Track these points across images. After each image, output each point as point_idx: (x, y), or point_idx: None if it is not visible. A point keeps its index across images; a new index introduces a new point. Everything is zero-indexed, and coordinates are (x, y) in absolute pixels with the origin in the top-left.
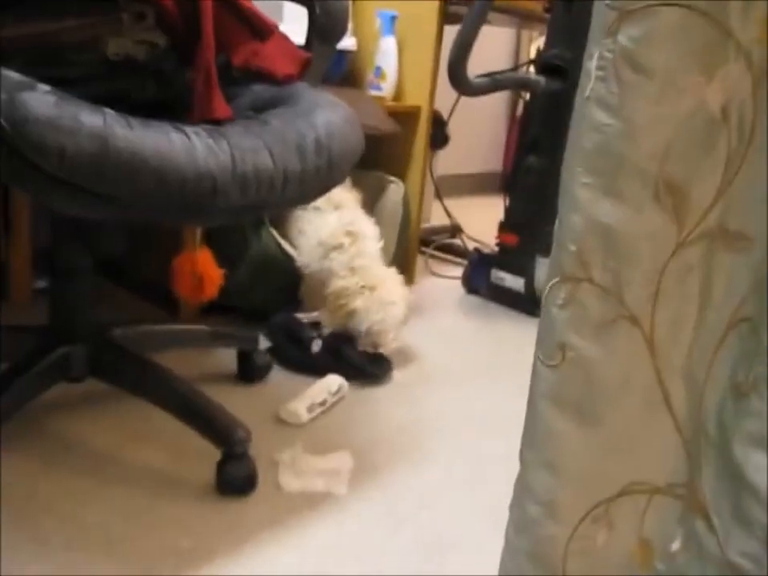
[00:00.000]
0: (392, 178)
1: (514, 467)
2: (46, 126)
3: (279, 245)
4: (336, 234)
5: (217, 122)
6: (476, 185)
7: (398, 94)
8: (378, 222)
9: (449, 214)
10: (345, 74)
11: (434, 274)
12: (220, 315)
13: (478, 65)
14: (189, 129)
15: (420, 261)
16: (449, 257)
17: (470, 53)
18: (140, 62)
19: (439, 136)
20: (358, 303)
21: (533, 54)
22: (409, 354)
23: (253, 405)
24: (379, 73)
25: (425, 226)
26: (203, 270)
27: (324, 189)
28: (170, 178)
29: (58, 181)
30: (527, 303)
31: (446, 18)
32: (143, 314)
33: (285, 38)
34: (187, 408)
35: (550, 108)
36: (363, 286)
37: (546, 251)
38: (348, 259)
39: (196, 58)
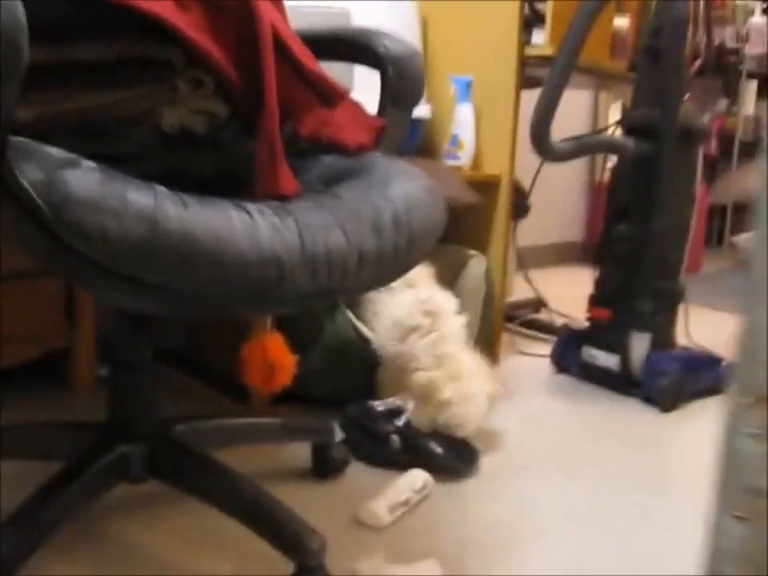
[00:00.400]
0: (473, 252)
1: (623, 569)
2: (88, 206)
3: (355, 327)
4: (413, 313)
5: (283, 198)
6: (557, 256)
7: (475, 164)
8: (461, 299)
9: (533, 287)
10: (419, 144)
11: (520, 352)
12: (292, 404)
13: (556, 130)
14: (251, 206)
15: (505, 338)
16: (535, 333)
17: (554, 116)
18: (198, 134)
19: (520, 206)
20: (446, 395)
21: (611, 119)
22: (495, 440)
23: (329, 504)
24: (456, 142)
25: (508, 300)
26: (274, 357)
27: (403, 269)
28: (229, 263)
29: (103, 268)
30: (622, 382)
31: (523, 81)
32: (211, 405)
33: (356, 104)
34: (255, 513)
35: (639, 171)
36: (450, 377)
37: (641, 326)
38: (431, 345)
39: (259, 127)
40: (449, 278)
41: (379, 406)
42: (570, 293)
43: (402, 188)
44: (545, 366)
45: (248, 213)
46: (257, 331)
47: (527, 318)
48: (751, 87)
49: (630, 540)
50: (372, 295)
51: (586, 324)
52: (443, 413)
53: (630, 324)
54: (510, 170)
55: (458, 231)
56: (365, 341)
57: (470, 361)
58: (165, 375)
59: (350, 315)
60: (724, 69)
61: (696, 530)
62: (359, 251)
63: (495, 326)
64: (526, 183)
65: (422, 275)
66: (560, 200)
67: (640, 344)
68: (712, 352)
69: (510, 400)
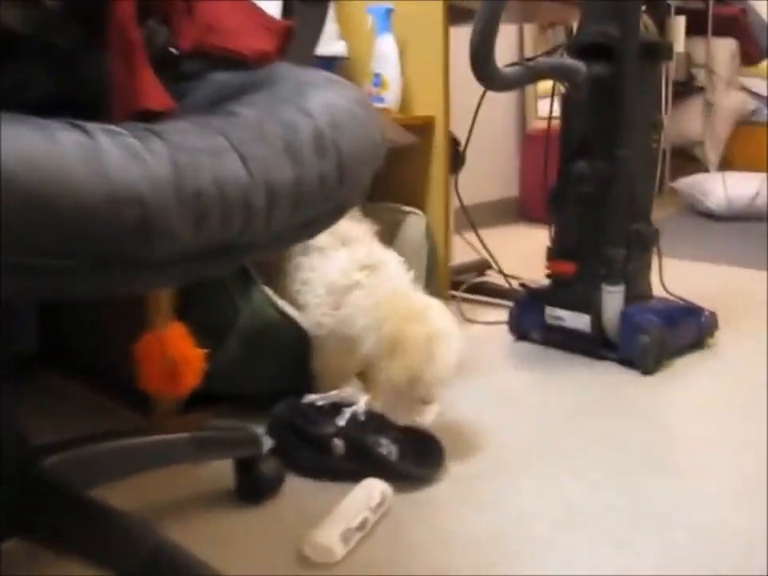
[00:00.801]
0: (410, 209)
1: None
2: None
3: (276, 306)
4: (348, 271)
5: (150, 118)
6: (492, 215)
7: (405, 107)
8: None
9: (484, 246)
10: None
11: (470, 320)
12: (207, 408)
13: None
14: (93, 126)
15: (451, 307)
16: (484, 299)
17: (496, 35)
18: (18, 33)
19: (454, 157)
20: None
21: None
22: (461, 431)
23: (263, 537)
24: (379, 81)
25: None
26: (176, 352)
27: (336, 211)
28: (55, 205)
29: None
30: (594, 344)
31: (452, 14)
32: (105, 420)
33: (250, 3)
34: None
35: (596, 98)
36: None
37: (613, 277)
38: (374, 306)
39: (107, 26)
40: (383, 242)
41: (318, 401)
42: (514, 252)
43: (324, 98)
44: (502, 334)
45: (86, 132)
46: (152, 320)
47: (473, 282)
48: (680, 23)
49: (642, 548)
50: (298, 261)
51: (546, 282)
52: (425, 366)
53: (600, 276)
54: (445, 112)
55: (391, 187)
56: (291, 321)
57: (426, 300)
58: (48, 384)
59: (269, 292)
60: (652, 5)
61: (711, 515)
62: (267, 184)
63: (442, 294)
64: (458, 132)
65: (360, 231)
66: (490, 153)
67: (613, 298)
68: (690, 303)
69: (470, 378)
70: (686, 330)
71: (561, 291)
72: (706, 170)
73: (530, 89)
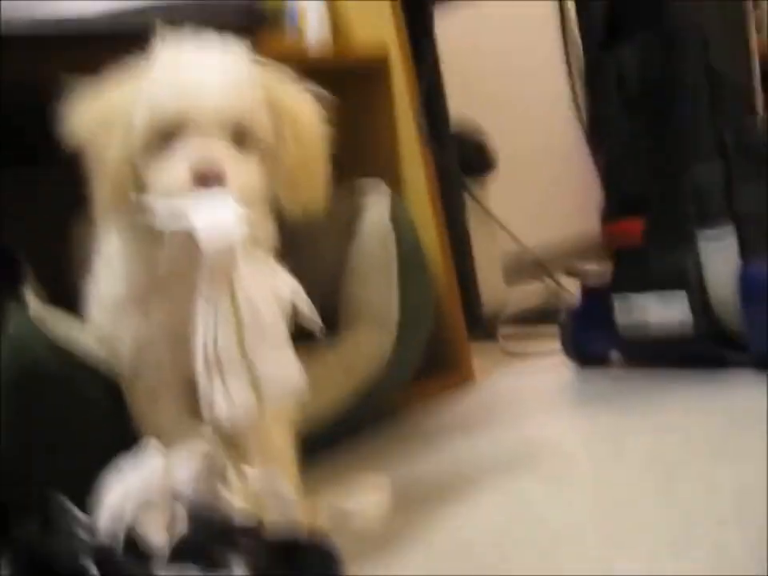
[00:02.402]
0: (368, 188)
1: None
2: None
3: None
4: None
5: None
6: (567, 256)
7: (338, 43)
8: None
9: (555, 281)
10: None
11: (513, 354)
12: None
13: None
14: None
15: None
16: (533, 329)
17: None
18: None
19: (475, 153)
20: None
21: None
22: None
23: None
24: (294, 15)
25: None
26: None
27: None
28: None
29: None
30: (702, 342)
31: None
32: None
33: None
34: None
35: None
36: None
37: (712, 217)
38: None
39: None
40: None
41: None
42: None
43: None
44: (558, 364)
45: None
46: None
47: (517, 311)
48: None
49: None
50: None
51: (608, 270)
52: None
53: (689, 220)
54: (401, 47)
55: (349, 162)
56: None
57: None
58: None
59: (32, 301)
60: None
61: None
62: None
63: (451, 315)
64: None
65: None
66: (558, 177)
67: (719, 251)
68: None
69: (506, 433)
70: None
71: (632, 268)
72: None
73: None
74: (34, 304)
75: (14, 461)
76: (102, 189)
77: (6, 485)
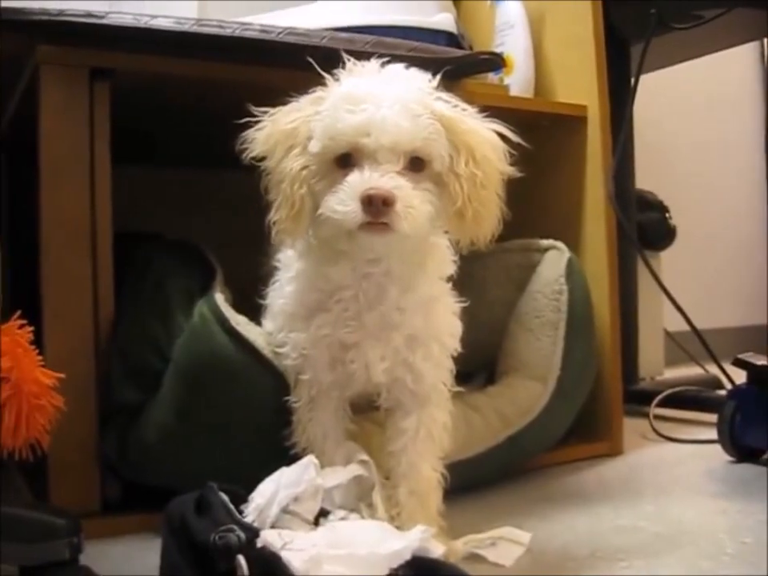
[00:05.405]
0: (549, 243)
1: None
2: None
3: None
4: None
5: None
6: (731, 343)
7: (539, 91)
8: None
9: (715, 360)
10: None
11: (666, 438)
12: None
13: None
14: None
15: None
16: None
17: None
18: None
19: (655, 227)
20: None
21: None
22: None
23: None
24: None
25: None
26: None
27: None
28: None
29: None
30: None
31: None
32: None
33: None
34: None
35: None
36: None
37: None
38: None
39: None
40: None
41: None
42: None
43: None
44: (712, 454)
45: None
46: None
47: (671, 392)
48: None
49: None
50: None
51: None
52: None
53: None
54: (601, 103)
55: (529, 216)
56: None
57: None
58: None
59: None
60: None
61: None
62: None
63: (610, 382)
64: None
65: None
66: (735, 263)
67: None
68: None
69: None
70: None
71: None
72: None
73: None
74: (220, 299)
75: (180, 439)
76: (281, 210)
77: (170, 462)
